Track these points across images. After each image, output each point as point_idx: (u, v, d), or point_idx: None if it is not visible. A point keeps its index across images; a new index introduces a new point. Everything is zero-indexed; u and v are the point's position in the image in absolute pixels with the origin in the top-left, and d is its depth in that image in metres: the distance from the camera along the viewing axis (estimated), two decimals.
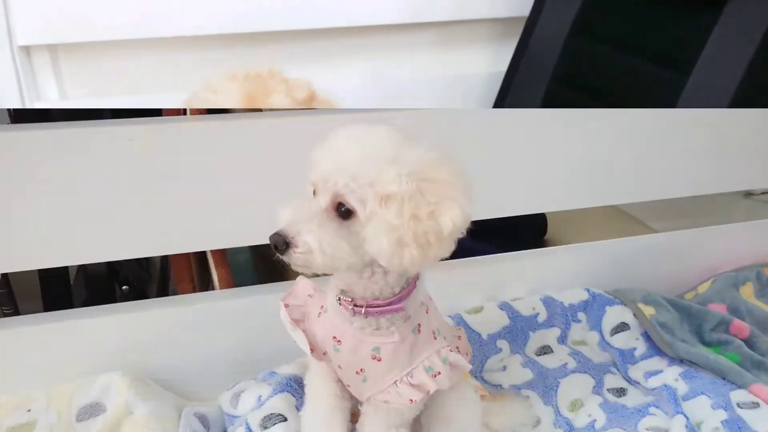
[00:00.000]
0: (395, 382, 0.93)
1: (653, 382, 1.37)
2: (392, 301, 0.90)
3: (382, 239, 0.75)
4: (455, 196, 0.77)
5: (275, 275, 1.61)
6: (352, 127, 0.81)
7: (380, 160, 0.77)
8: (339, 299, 0.91)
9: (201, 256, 1.53)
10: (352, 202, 0.77)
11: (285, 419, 1.10)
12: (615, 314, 1.49)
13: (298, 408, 1.14)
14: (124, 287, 1.53)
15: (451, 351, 0.98)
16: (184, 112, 1.26)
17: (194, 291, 1.38)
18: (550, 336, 1.46)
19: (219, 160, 1.20)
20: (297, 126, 1.23)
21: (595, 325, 1.50)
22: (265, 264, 1.71)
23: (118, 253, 1.23)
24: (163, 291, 1.74)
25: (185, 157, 1.17)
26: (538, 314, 1.46)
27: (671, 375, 1.36)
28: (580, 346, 1.48)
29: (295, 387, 1.19)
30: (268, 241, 0.79)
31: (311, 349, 0.97)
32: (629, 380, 1.40)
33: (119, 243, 1.19)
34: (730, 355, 1.42)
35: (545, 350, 1.44)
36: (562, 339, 1.47)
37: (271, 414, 1.11)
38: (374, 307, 0.89)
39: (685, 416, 1.24)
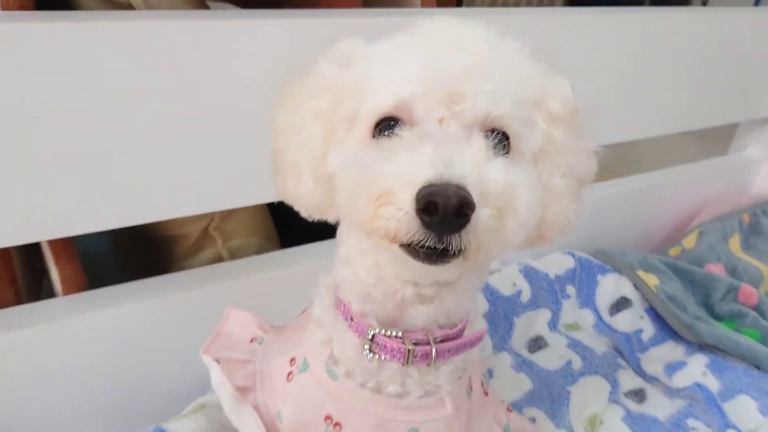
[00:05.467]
0: None
1: (680, 380, 0.96)
2: (461, 329, 0.48)
3: (557, 179, 0.44)
4: None
5: (144, 267, 0.98)
6: (451, 21, 0.43)
7: (534, 66, 0.43)
8: (371, 342, 0.44)
9: (28, 247, 0.87)
10: (516, 128, 0.42)
11: None
12: (610, 286, 1.09)
13: None
14: None
15: (509, 410, 0.62)
16: None
17: (19, 300, 0.76)
18: (539, 321, 1.02)
19: (76, 81, 0.62)
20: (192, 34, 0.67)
21: (587, 300, 1.08)
22: (129, 253, 1.08)
23: None
24: None
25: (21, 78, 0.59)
26: (520, 291, 1.02)
27: (697, 368, 0.98)
28: (575, 332, 1.03)
29: None
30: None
31: None
32: (643, 375, 0.99)
33: None
34: (748, 332, 1.09)
35: (538, 343, 0.99)
36: (554, 324, 1.03)
37: None
38: (448, 341, 0.46)
39: (737, 429, 0.86)
